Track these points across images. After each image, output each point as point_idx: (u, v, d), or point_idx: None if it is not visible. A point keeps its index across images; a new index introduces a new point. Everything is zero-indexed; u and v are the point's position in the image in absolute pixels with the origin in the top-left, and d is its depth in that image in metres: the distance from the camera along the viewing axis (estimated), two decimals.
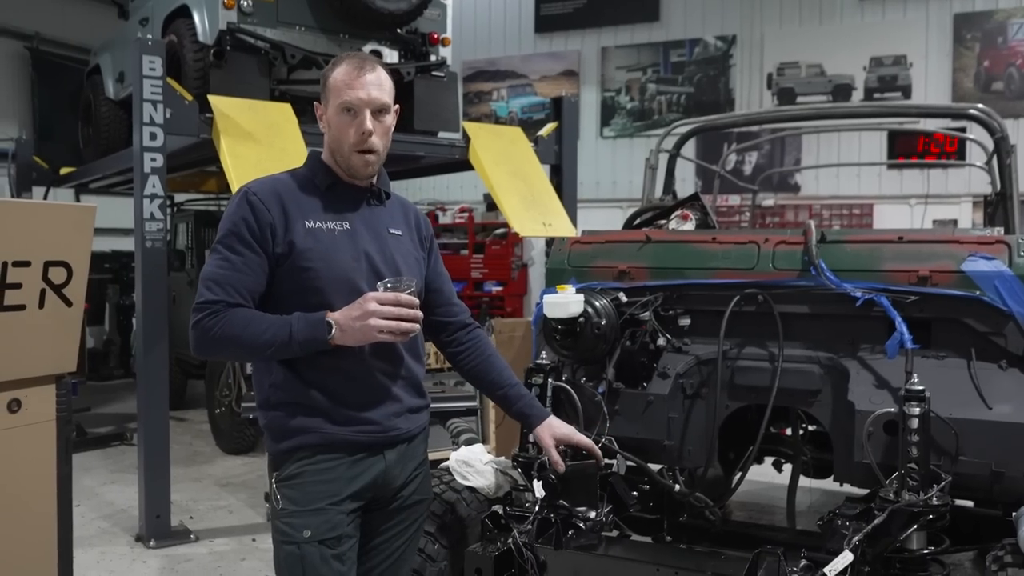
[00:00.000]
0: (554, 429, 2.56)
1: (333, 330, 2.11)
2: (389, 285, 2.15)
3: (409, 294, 2.15)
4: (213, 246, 2.21)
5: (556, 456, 2.54)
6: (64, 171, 8.86)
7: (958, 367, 2.74)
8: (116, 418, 8.54)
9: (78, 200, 9.72)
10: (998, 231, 2.95)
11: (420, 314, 2.19)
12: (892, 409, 2.58)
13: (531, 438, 2.69)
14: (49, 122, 10.40)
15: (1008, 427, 2.57)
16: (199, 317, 2.14)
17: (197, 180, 9.33)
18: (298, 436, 2.20)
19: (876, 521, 2.37)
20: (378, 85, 2.23)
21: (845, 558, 2.29)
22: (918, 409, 2.45)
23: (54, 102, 10.36)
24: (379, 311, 2.10)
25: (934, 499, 2.39)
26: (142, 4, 7.32)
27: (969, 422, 2.59)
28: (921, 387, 2.48)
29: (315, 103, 2.33)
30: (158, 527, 5.15)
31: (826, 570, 2.29)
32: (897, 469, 2.49)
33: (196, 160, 7.05)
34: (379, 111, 2.24)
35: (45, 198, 8.91)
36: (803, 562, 2.40)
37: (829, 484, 3.89)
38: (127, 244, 8.11)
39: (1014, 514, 2.52)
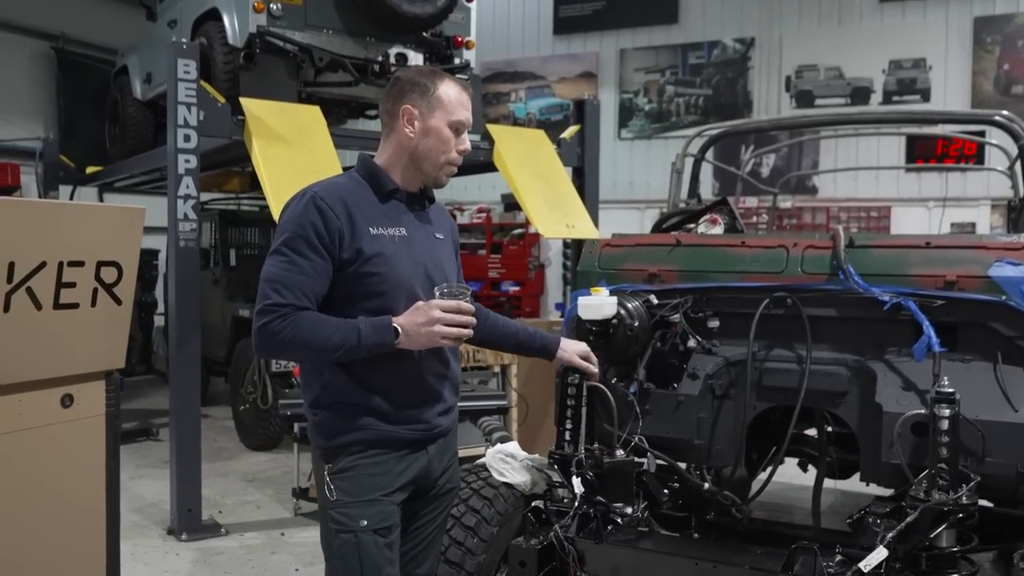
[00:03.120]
0: (571, 347, 2.82)
1: (399, 335, 2.20)
2: (446, 291, 2.24)
3: (466, 301, 2.25)
4: (276, 248, 2.23)
5: (583, 363, 2.81)
6: (90, 170, 8.96)
7: (984, 370, 2.77)
8: (140, 414, 8.64)
9: (101, 199, 9.82)
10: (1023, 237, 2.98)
11: (475, 320, 2.29)
12: (922, 411, 2.62)
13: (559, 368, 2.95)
14: (74, 121, 10.51)
15: None
16: (268, 319, 2.16)
17: (220, 179, 9.42)
18: (353, 433, 2.28)
19: (908, 519, 2.42)
20: None
21: (880, 553, 2.35)
22: (948, 411, 2.49)
23: (79, 102, 10.46)
24: (443, 318, 2.20)
25: (964, 498, 2.44)
26: (171, 6, 7.41)
27: (995, 424, 2.63)
28: (951, 389, 2.52)
29: (406, 106, 2.32)
30: (189, 521, 5.26)
31: (861, 565, 2.35)
32: (924, 469, 2.54)
33: (223, 160, 7.15)
34: None
35: (71, 197, 9.02)
36: (839, 557, 2.46)
37: (848, 484, 3.95)
38: (149, 242, 8.19)
39: None
